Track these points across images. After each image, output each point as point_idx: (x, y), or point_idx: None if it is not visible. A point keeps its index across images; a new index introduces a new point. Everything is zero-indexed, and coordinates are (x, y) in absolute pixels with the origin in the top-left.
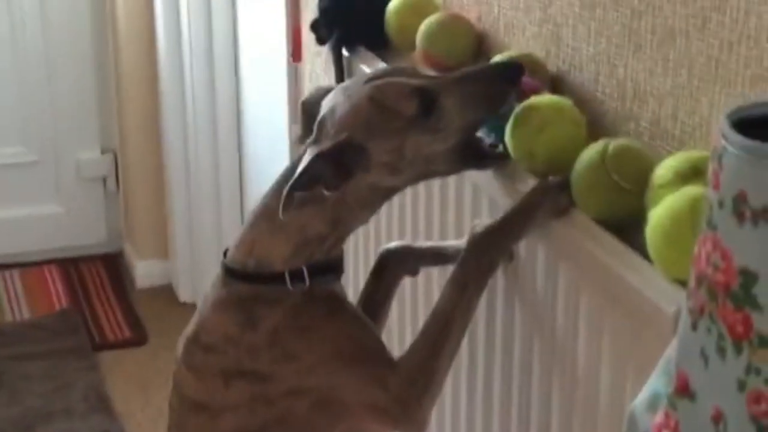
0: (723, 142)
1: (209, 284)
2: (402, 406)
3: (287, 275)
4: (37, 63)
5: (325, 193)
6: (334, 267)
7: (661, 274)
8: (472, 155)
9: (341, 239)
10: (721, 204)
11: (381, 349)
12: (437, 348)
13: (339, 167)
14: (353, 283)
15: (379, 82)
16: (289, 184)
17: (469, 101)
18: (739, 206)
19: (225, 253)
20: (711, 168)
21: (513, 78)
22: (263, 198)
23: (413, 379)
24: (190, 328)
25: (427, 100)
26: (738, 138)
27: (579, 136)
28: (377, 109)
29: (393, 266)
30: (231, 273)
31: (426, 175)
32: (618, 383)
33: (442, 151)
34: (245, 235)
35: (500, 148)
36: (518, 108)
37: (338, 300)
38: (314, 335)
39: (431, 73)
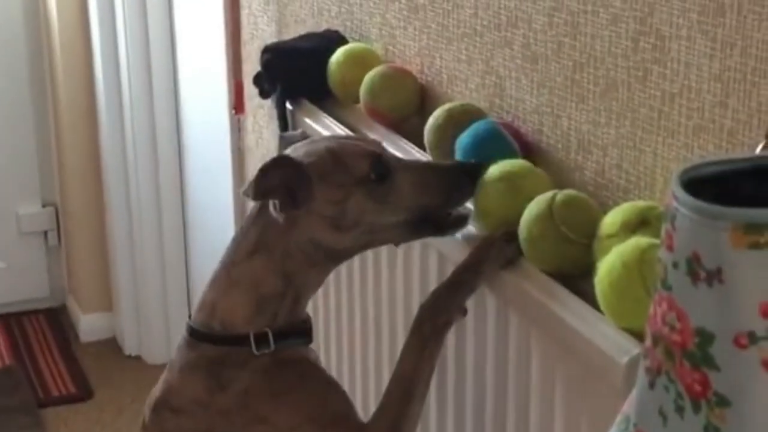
0: (675, 203)
1: (174, 348)
2: None
3: (252, 338)
4: None
5: (274, 212)
6: (301, 332)
7: (611, 324)
8: (428, 226)
9: (299, 299)
10: (675, 265)
11: (352, 414)
12: (402, 409)
13: (288, 190)
14: (324, 351)
15: (342, 139)
16: (254, 178)
17: (424, 187)
18: (694, 267)
19: (190, 316)
20: (664, 229)
21: (474, 177)
22: (221, 258)
23: None
24: (157, 392)
25: (380, 167)
26: (689, 199)
27: None
28: (331, 159)
29: None
30: (197, 335)
31: (372, 243)
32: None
33: (391, 224)
34: (205, 295)
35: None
36: (503, 178)
37: (309, 364)
38: (285, 400)
39: (400, 156)
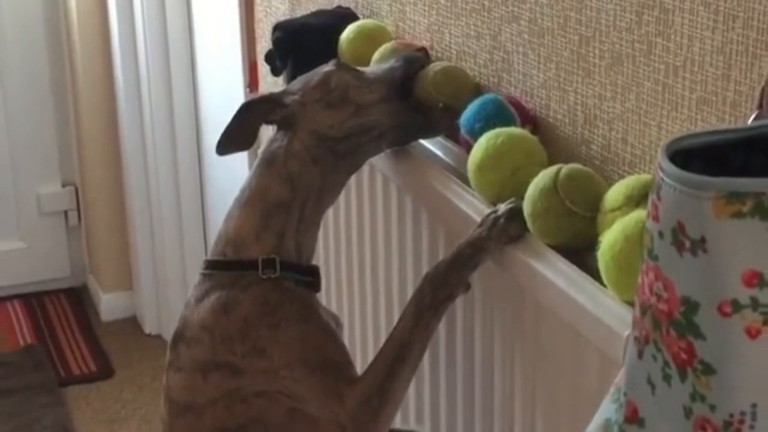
0: (660, 174)
1: (182, 304)
2: (356, 423)
3: (260, 262)
4: None
5: (267, 126)
6: (307, 272)
7: (613, 296)
8: (412, 109)
9: (305, 209)
10: (661, 235)
11: (346, 364)
12: (393, 371)
13: (271, 104)
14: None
15: None
16: (225, 126)
17: (388, 66)
18: (678, 237)
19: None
20: (650, 199)
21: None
22: None
23: (368, 397)
24: (174, 330)
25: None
26: (673, 170)
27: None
28: (311, 73)
29: None
30: (211, 265)
31: (367, 127)
32: (575, 409)
33: (375, 102)
34: (221, 228)
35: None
36: (490, 149)
37: (312, 308)
38: (284, 334)
39: None
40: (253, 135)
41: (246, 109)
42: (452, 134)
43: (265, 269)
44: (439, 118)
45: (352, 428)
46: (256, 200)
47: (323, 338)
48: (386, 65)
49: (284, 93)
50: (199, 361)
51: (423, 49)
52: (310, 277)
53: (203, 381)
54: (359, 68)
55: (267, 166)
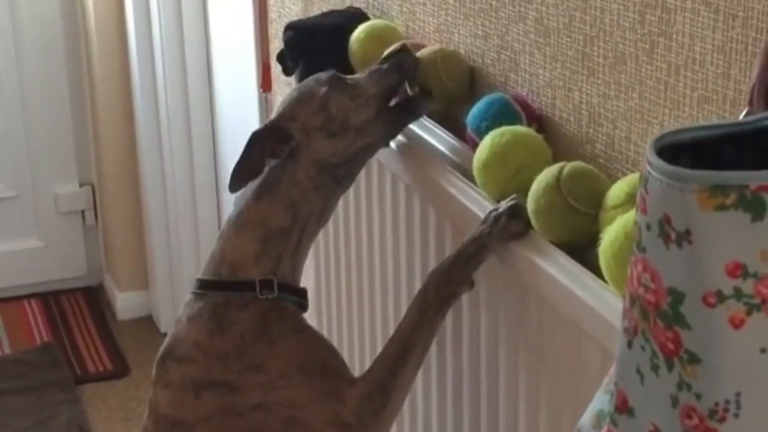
0: (648, 167)
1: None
2: (360, 419)
3: (257, 283)
4: (12, 98)
5: (271, 162)
6: (300, 293)
7: (614, 292)
8: (398, 112)
9: (303, 236)
10: (648, 227)
11: (342, 367)
12: (396, 368)
13: (278, 135)
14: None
15: None
16: (236, 162)
17: (378, 74)
18: (665, 229)
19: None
20: (639, 192)
21: (408, 56)
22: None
23: (370, 394)
24: (163, 347)
25: (340, 76)
26: (660, 163)
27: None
28: (298, 87)
29: None
30: (204, 285)
31: (365, 148)
32: (577, 402)
33: (370, 119)
34: (215, 248)
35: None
36: (495, 147)
37: (304, 322)
38: (280, 347)
39: None
40: (261, 166)
41: (253, 143)
42: (458, 132)
43: (263, 290)
44: (419, 102)
45: (356, 425)
46: (257, 225)
47: (318, 345)
48: (376, 70)
49: (285, 119)
50: (191, 379)
51: (408, 52)
52: (304, 298)
53: (195, 398)
54: (350, 80)
55: (269, 193)
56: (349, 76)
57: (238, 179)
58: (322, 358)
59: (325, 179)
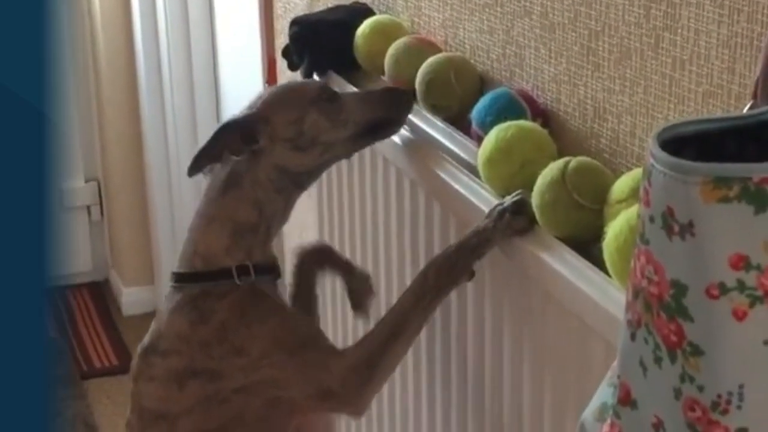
0: (651, 160)
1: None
2: (344, 388)
3: (234, 271)
4: None
5: (233, 157)
6: (273, 269)
7: (618, 287)
8: (372, 132)
9: (270, 232)
10: (651, 219)
11: (322, 339)
12: (385, 346)
13: (245, 134)
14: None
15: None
16: (199, 149)
17: (368, 103)
18: (668, 221)
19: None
20: (642, 185)
21: (405, 96)
22: (195, 210)
23: (356, 367)
24: (145, 341)
25: (329, 90)
26: (663, 156)
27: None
28: (287, 88)
29: (309, 264)
30: (181, 278)
31: (329, 162)
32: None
33: (343, 139)
34: (186, 241)
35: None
36: (500, 142)
37: (279, 298)
38: (259, 328)
39: None
40: (218, 159)
41: (219, 135)
42: (463, 128)
43: (241, 276)
44: (393, 125)
45: (341, 392)
46: (225, 219)
47: (293, 321)
48: (371, 95)
49: (258, 118)
50: (175, 370)
51: (405, 94)
52: (276, 272)
53: (179, 391)
54: (339, 97)
55: (234, 188)
56: (341, 93)
57: (196, 166)
58: (302, 334)
59: (286, 183)
